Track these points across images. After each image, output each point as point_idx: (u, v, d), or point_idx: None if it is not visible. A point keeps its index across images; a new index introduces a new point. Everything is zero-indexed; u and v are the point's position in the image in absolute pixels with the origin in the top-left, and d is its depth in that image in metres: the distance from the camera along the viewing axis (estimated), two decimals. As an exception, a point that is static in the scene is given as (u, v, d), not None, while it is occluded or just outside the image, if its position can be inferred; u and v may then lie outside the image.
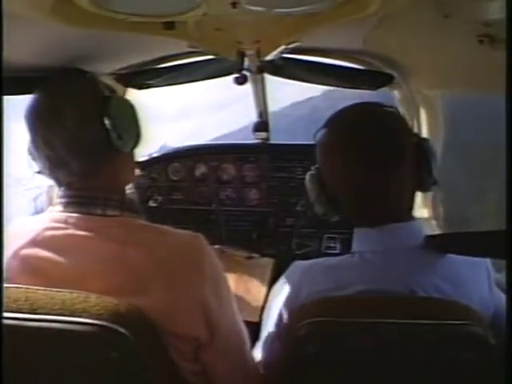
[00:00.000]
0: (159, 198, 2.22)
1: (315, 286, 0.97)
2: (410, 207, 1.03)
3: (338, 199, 1.03)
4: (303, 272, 1.03)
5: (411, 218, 1.01)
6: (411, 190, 1.02)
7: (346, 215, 1.06)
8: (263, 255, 2.04)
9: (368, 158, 0.96)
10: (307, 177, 1.09)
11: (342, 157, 1.00)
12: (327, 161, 1.04)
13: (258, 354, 1.10)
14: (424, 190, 1.05)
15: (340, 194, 1.03)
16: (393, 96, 1.82)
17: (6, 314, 0.77)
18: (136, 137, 1.03)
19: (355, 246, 1.03)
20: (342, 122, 1.04)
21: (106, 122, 0.94)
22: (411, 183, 1.00)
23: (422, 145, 1.01)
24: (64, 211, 0.95)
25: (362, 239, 1.03)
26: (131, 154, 1.06)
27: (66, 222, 0.93)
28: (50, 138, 0.94)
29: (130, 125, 1.01)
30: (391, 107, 1.05)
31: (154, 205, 2.20)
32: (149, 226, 0.97)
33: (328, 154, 1.04)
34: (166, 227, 0.96)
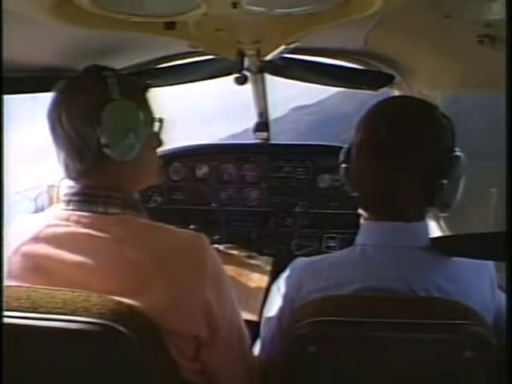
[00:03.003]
0: (160, 198, 2.22)
1: (316, 283, 0.97)
2: (422, 209, 1.01)
3: (356, 182, 1.05)
4: (305, 268, 1.03)
5: (420, 219, 1.00)
6: (424, 195, 0.99)
7: (359, 203, 1.07)
8: (263, 255, 2.04)
9: (386, 154, 0.97)
10: (343, 149, 1.09)
11: (364, 147, 1.01)
12: (355, 144, 1.05)
13: (257, 351, 1.10)
14: (434, 206, 1.00)
15: (357, 180, 1.04)
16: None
17: (6, 313, 0.77)
18: (129, 148, 0.95)
19: (359, 239, 1.03)
20: (377, 114, 1.04)
21: (98, 128, 0.92)
22: (426, 189, 0.98)
23: (449, 161, 0.97)
24: (67, 209, 0.96)
25: (367, 232, 1.03)
26: (135, 161, 0.97)
27: (68, 219, 0.93)
28: (54, 136, 0.96)
29: (121, 135, 0.94)
30: (444, 116, 1.00)
31: (154, 205, 2.20)
32: (150, 224, 0.97)
33: (356, 138, 1.04)
34: (168, 226, 0.96)
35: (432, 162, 0.96)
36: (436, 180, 0.96)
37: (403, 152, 0.96)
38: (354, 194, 1.08)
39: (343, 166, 1.09)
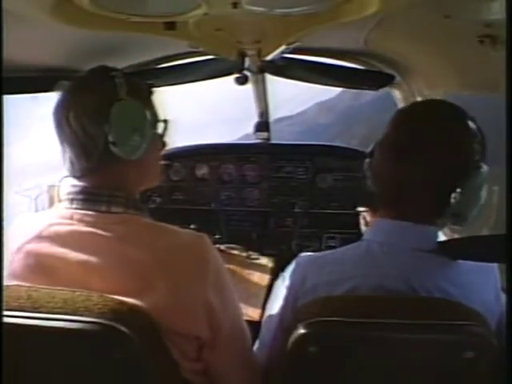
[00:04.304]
0: (159, 199, 2.22)
1: (320, 277, 0.98)
2: (432, 213, 1.00)
3: (374, 177, 1.05)
4: (309, 263, 1.04)
5: (429, 222, 0.99)
6: (435, 201, 0.98)
7: (376, 199, 1.07)
8: (263, 255, 2.04)
9: (401, 154, 0.97)
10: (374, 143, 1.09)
11: (384, 145, 1.02)
12: (380, 140, 1.05)
13: (258, 347, 1.10)
14: (444, 216, 0.98)
15: (375, 176, 1.05)
16: (394, 96, 1.82)
17: (7, 313, 0.77)
18: (135, 146, 0.96)
19: (367, 234, 1.04)
20: (404, 114, 1.05)
21: (105, 127, 0.93)
22: (437, 196, 0.97)
23: (467, 173, 0.94)
24: (70, 207, 0.96)
25: (375, 229, 1.04)
26: (139, 161, 0.98)
27: (71, 217, 0.94)
28: (60, 135, 0.97)
29: (129, 133, 0.95)
30: (476, 126, 0.96)
31: (154, 205, 2.20)
32: (153, 224, 0.97)
33: (383, 134, 1.04)
34: (170, 226, 0.96)
35: (447, 170, 0.95)
36: (448, 189, 0.94)
37: (418, 154, 0.95)
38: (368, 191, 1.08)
39: (367, 160, 1.08)
